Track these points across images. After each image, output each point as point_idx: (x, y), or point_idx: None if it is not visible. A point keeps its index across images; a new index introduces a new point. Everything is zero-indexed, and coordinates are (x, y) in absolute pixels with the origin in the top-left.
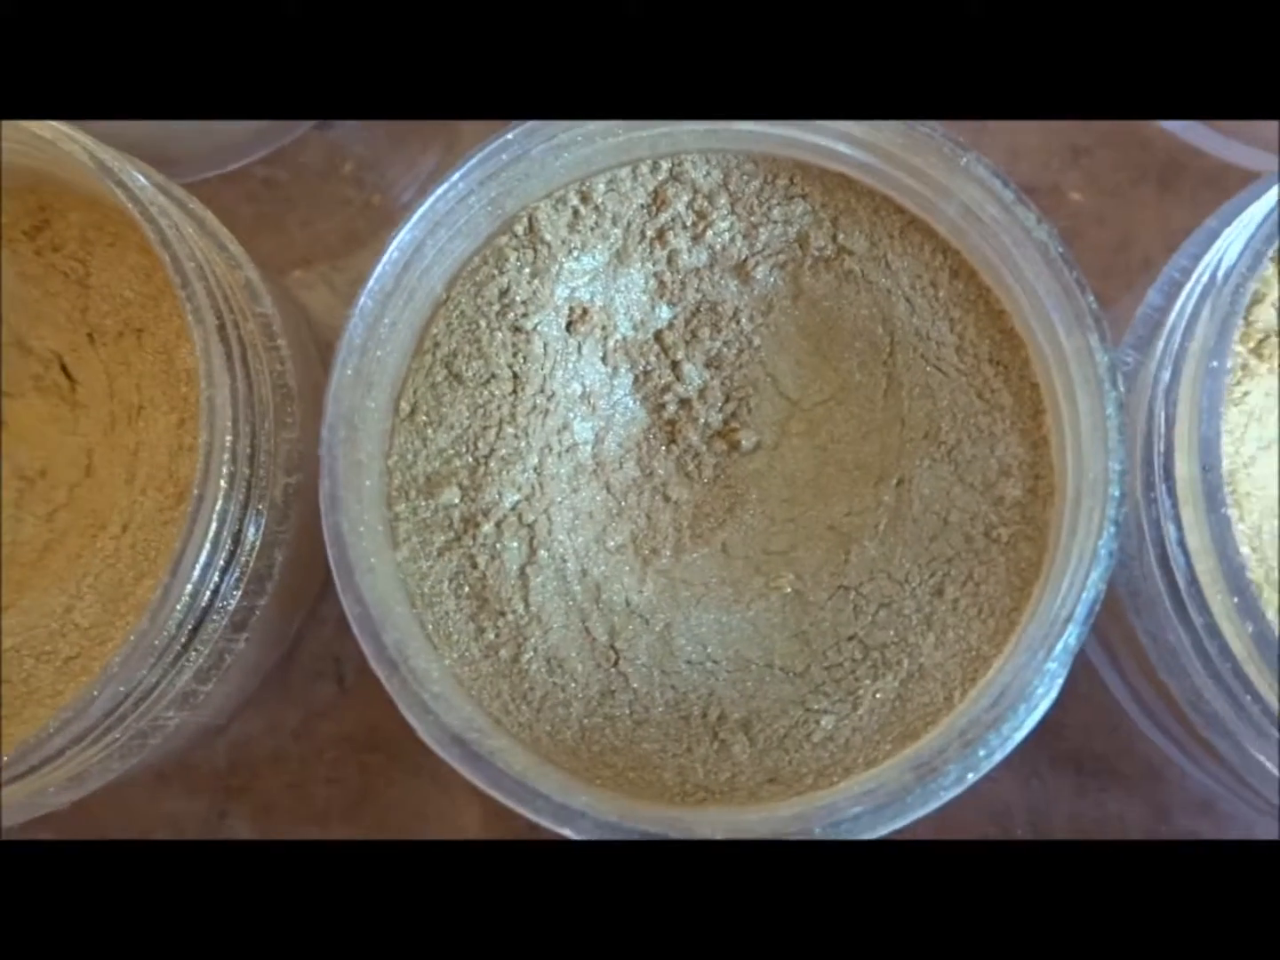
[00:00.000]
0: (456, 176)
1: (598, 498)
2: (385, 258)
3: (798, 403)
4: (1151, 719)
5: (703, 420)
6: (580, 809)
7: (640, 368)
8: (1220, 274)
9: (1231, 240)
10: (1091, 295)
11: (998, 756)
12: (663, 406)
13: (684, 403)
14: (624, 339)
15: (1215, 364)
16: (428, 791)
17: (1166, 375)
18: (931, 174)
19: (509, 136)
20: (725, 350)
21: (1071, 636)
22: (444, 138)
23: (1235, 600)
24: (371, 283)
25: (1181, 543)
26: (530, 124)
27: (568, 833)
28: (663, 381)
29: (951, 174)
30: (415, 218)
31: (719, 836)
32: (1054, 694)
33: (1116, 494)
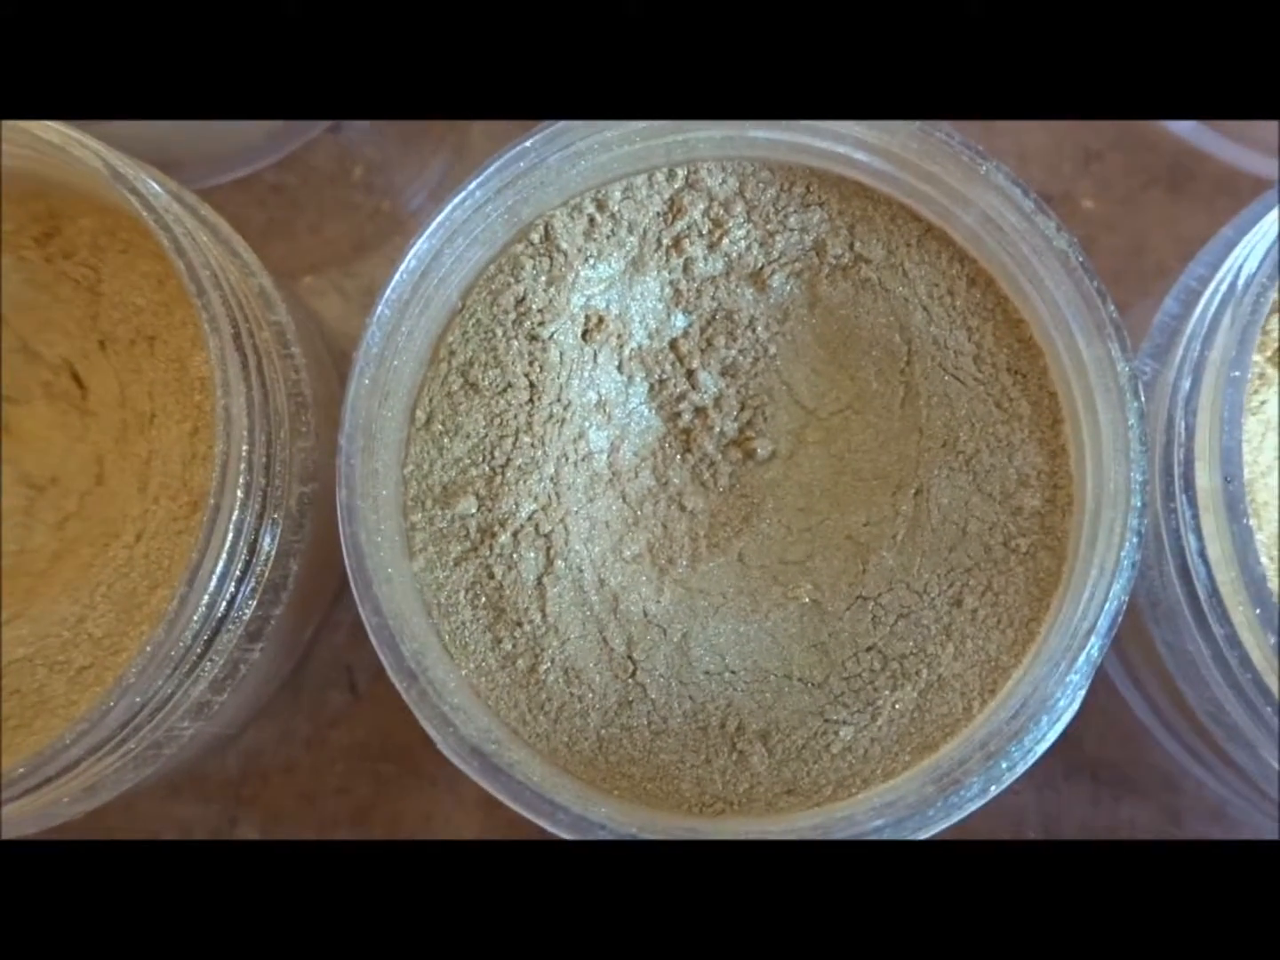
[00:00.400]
0: (474, 185)
1: (614, 507)
2: (403, 266)
3: (814, 411)
4: (1168, 729)
5: (718, 429)
6: (599, 820)
7: (655, 376)
8: (1240, 282)
9: (1251, 248)
10: (1113, 305)
11: (1020, 769)
12: (678, 415)
13: (699, 411)
14: (639, 347)
15: (1237, 374)
16: (439, 800)
17: (1186, 384)
18: (949, 181)
19: (526, 144)
20: (741, 359)
21: (1094, 648)
22: (453, 142)
23: (1258, 611)
24: (389, 291)
25: (1202, 553)
26: (547, 132)
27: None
28: (678, 390)
29: (970, 182)
30: (433, 226)
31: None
32: (1076, 706)
33: (1139, 504)
